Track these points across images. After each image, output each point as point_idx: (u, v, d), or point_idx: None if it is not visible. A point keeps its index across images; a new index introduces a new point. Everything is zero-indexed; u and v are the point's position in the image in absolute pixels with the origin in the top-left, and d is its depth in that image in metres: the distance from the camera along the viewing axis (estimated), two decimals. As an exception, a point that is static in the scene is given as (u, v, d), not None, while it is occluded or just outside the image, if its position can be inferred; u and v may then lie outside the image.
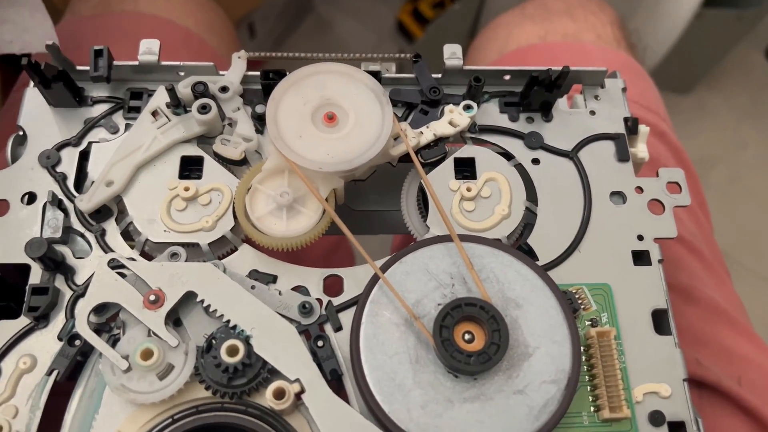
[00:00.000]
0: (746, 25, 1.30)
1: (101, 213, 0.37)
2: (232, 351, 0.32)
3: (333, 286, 0.36)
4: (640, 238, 0.38)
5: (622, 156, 0.40)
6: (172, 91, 0.37)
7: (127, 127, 0.39)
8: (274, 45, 1.38)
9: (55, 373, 0.33)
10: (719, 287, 0.48)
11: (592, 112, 0.41)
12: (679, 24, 1.03)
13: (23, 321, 0.34)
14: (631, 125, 0.41)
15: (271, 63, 0.89)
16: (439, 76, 0.41)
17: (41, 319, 0.34)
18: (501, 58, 0.57)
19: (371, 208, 0.44)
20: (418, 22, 1.43)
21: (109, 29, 0.55)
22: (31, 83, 0.40)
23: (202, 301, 0.33)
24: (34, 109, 0.39)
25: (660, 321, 0.36)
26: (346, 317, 0.35)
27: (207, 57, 0.57)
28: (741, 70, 1.54)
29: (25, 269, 0.35)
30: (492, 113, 0.41)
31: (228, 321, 0.33)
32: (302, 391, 0.32)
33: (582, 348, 0.35)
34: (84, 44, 0.53)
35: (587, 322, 0.36)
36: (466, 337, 0.33)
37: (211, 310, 0.33)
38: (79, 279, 0.35)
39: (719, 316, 0.46)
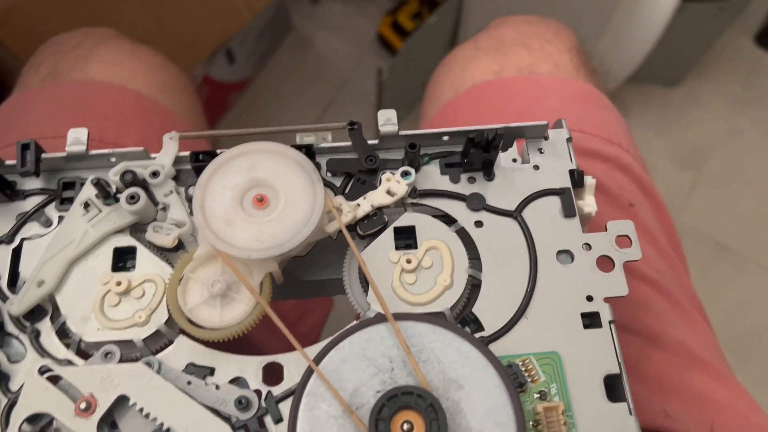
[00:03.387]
0: (730, 15, 1.28)
1: (34, 313, 0.36)
2: (165, 459, 0.31)
3: (273, 374, 0.35)
4: (590, 298, 0.37)
5: (569, 212, 0.39)
6: (98, 185, 0.37)
7: (61, 219, 0.39)
8: (255, 66, 1.38)
9: (-12, 490, 0.32)
10: (690, 328, 0.47)
11: (536, 167, 0.40)
12: (644, 47, 1.01)
13: (-43, 434, 0.34)
14: (577, 177, 0.40)
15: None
16: (376, 142, 0.40)
17: (-24, 431, 0.34)
18: (456, 97, 0.56)
19: (319, 277, 0.43)
20: (398, 34, 1.42)
21: (59, 100, 0.54)
22: (-39, 181, 0.39)
23: (135, 404, 0.33)
24: (-35, 207, 0.39)
25: (613, 387, 0.35)
26: (288, 407, 0.34)
27: (160, 117, 0.56)
28: (730, 58, 1.52)
29: (-40, 378, 0.35)
30: (433, 175, 0.40)
31: (162, 424, 0.32)
32: (238, 497, 0.31)
33: (531, 423, 0.34)
34: (34, 118, 0.53)
35: (536, 395, 0.35)
36: (405, 427, 0.32)
37: (144, 413, 0.33)
38: (14, 385, 0.34)
39: (689, 360, 0.45)
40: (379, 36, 1.44)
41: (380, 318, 0.35)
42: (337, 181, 0.40)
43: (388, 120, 0.39)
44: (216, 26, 1.06)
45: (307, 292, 0.45)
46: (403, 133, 0.39)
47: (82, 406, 0.32)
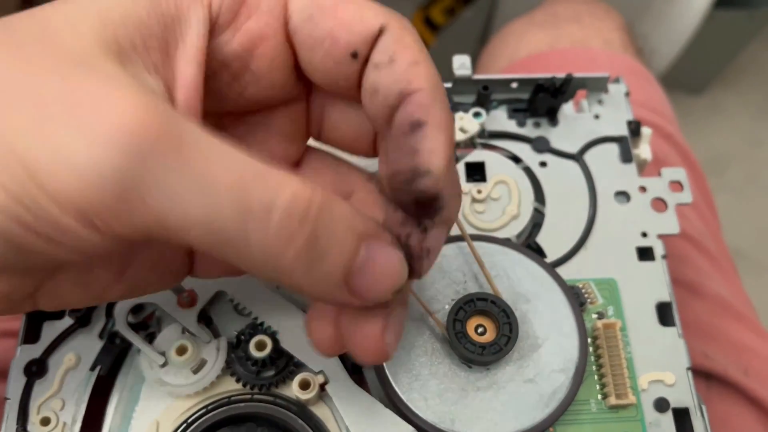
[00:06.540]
0: (758, 24, 1.31)
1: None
2: (261, 345, 0.34)
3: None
4: (644, 234, 0.40)
5: (626, 157, 0.42)
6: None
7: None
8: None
9: (98, 368, 0.36)
10: (726, 283, 0.50)
11: (597, 116, 0.43)
12: (687, 29, 1.05)
13: (67, 321, 0.37)
14: (634, 128, 0.43)
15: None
16: (450, 85, 0.43)
17: (83, 320, 0.37)
18: (511, 65, 0.60)
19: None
20: (430, 29, 1.45)
21: None
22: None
23: (232, 300, 0.36)
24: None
25: (664, 313, 0.38)
26: (366, 314, 0.37)
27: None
28: (755, 69, 1.55)
29: (67, 274, 0.38)
30: (500, 119, 0.43)
31: (256, 318, 0.36)
32: (326, 381, 0.34)
33: (589, 339, 0.37)
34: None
35: (594, 315, 0.38)
36: (479, 330, 0.35)
37: (240, 308, 0.36)
38: (118, 282, 0.38)
39: (726, 311, 0.48)
40: (409, 30, 1.48)
41: (454, 238, 0.38)
42: (412, 120, 0.43)
43: (462, 65, 0.43)
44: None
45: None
46: (476, 77, 0.43)
47: (185, 297, 0.36)
